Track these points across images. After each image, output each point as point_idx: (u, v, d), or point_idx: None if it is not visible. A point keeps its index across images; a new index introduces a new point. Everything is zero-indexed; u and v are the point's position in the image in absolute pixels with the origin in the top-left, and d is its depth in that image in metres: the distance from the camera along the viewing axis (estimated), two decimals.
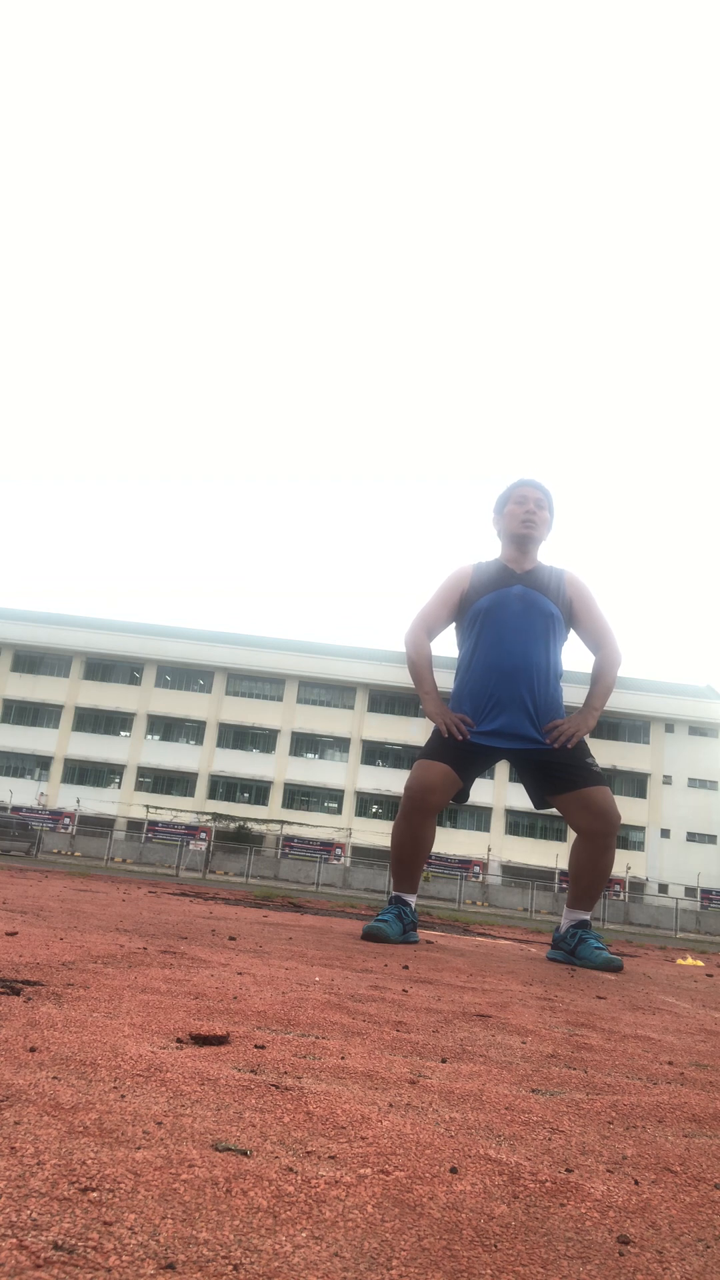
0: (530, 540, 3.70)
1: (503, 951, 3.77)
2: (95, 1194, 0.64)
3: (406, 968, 2.50)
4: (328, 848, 43.19)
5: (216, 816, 43.91)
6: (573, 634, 3.77)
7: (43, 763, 49.62)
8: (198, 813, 44.46)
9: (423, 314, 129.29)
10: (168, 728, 50.32)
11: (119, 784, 49.08)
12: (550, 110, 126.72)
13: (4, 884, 4.28)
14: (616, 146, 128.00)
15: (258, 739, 49.95)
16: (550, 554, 3.79)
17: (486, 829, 46.74)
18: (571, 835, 3.56)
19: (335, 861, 41.38)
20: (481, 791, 45.13)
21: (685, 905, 38.15)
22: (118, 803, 47.74)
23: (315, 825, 45.77)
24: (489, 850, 45.61)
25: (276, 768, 49.12)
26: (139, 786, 48.82)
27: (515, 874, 43.70)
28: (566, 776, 3.52)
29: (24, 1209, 0.60)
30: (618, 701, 44.40)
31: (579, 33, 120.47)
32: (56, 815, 43.80)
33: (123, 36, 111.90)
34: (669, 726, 49.20)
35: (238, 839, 42.14)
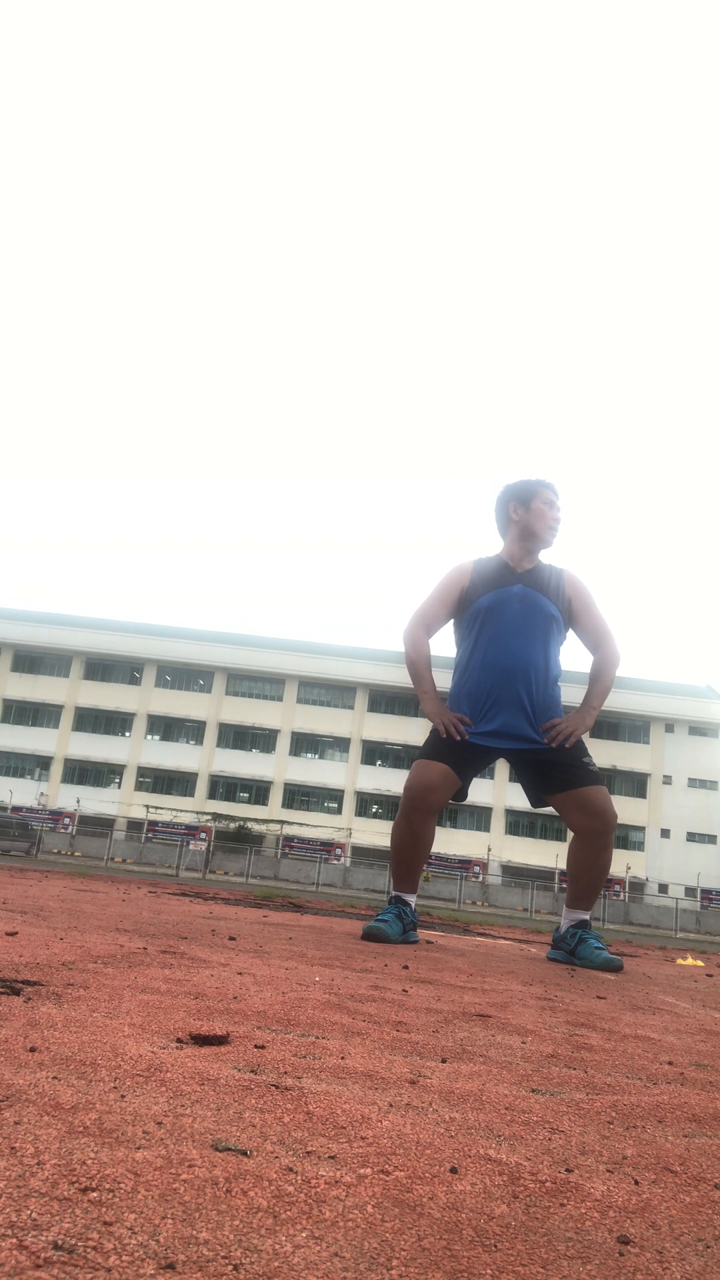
0: (546, 546, 3.73)
1: (503, 951, 3.77)
2: (95, 1194, 0.64)
3: (406, 968, 2.50)
4: (328, 848, 43.18)
5: (216, 816, 43.90)
6: (571, 634, 3.77)
7: (43, 763, 49.63)
8: (198, 813, 44.44)
9: (423, 314, 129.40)
10: (168, 728, 50.32)
11: (119, 784, 49.08)
12: (551, 106, 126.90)
13: (4, 884, 4.28)
14: (618, 145, 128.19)
15: (258, 739, 49.95)
16: (551, 553, 3.81)
17: (486, 829, 46.74)
18: (571, 835, 3.56)
19: (335, 861, 41.38)
20: (481, 791, 45.15)
21: (685, 905, 38.15)
22: (118, 803, 47.74)
23: (315, 825, 45.76)
24: (489, 850, 45.61)
25: (276, 768, 49.11)
26: (139, 786, 48.82)
27: (515, 874, 43.70)
28: (564, 776, 3.52)
29: (24, 1209, 0.60)
30: (617, 701, 44.41)
31: (579, 30, 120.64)
32: (56, 815, 43.80)
33: (122, 38, 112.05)
34: (669, 726, 49.21)
35: (238, 839, 42.14)
